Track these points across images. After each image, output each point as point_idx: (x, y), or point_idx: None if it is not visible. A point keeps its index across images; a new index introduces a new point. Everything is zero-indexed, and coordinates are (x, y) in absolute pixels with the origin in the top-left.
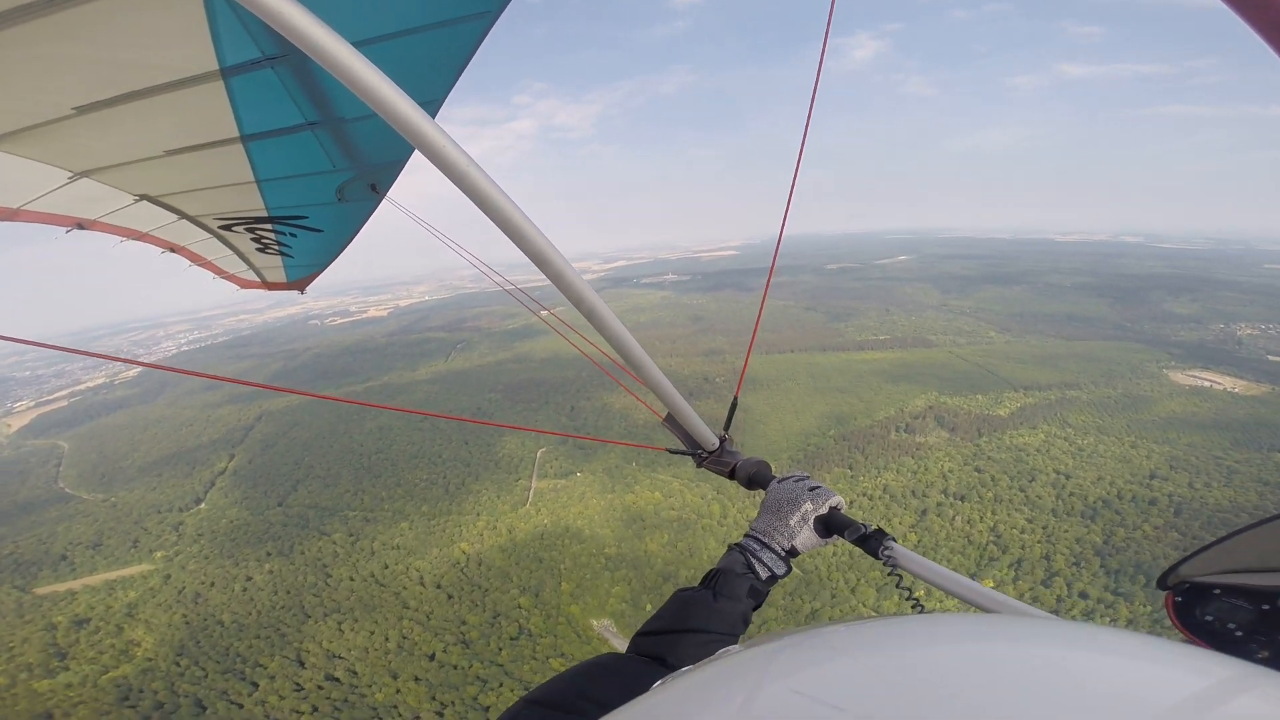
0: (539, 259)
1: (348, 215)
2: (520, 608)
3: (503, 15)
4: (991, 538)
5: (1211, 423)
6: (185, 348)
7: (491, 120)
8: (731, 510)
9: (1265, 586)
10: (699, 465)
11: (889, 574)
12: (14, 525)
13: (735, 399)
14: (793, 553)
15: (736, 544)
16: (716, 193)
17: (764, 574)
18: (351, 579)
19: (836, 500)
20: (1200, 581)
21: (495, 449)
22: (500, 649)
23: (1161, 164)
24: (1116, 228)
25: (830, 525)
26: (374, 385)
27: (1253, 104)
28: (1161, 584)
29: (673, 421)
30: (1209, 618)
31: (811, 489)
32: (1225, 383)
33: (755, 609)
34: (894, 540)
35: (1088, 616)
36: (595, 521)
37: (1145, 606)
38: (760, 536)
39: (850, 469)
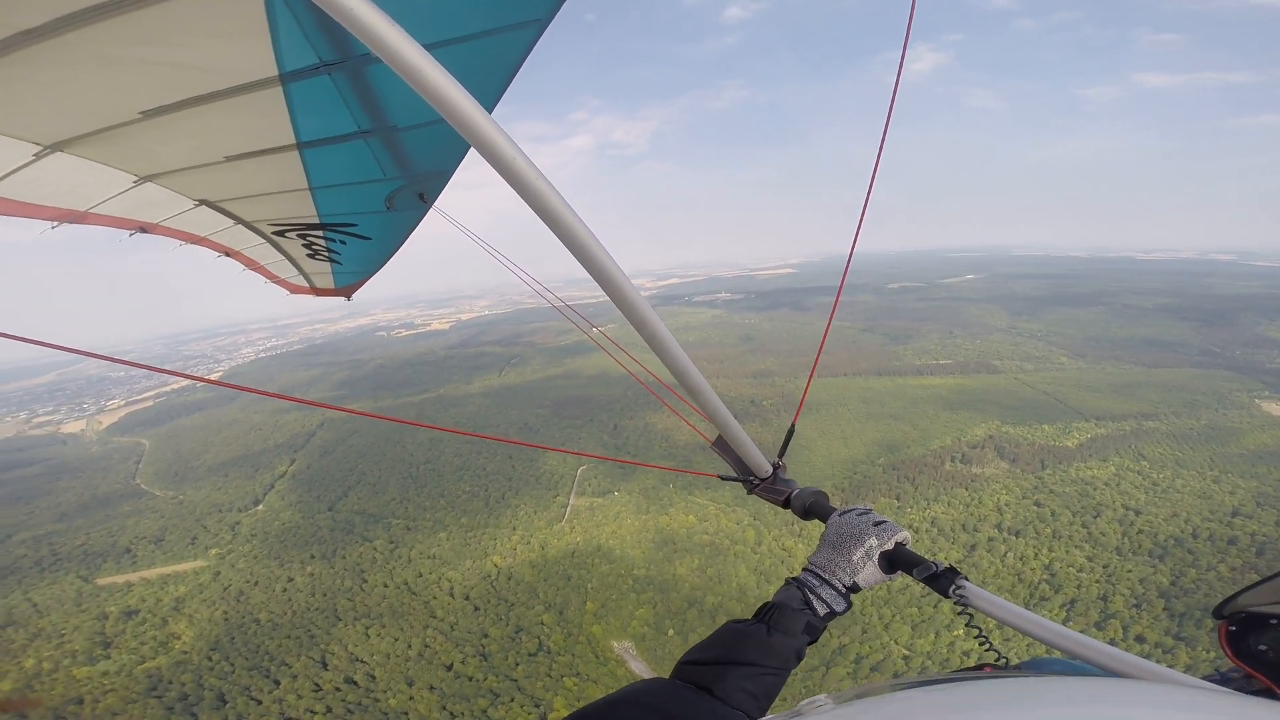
0: (600, 275)
1: (396, 224)
2: (543, 624)
3: (559, 34)
4: (1045, 575)
5: None
6: (263, 354)
7: (549, 137)
8: (767, 537)
9: None
10: (750, 491)
11: (959, 613)
12: (90, 517)
13: (793, 425)
14: (854, 589)
15: (794, 578)
16: (773, 209)
17: (822, 610)
18: (385, 585)
19: (903, 535)
20: (1258, 611)
21: (538, 464)
22: (517, 664)
23: (1255, 176)
24: (1205, 245)
25: (895, 562)
26: (430, 397)
27: None
28: (1218, 614)
29: (723, 445)
30: (1263, 647)
31: (876, 523)
32: None
33: (810, 645)
34: (966, 579)
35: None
36: (627, 542)
37: (1208, 652)
38: (820, 571)
39: (897, 499)
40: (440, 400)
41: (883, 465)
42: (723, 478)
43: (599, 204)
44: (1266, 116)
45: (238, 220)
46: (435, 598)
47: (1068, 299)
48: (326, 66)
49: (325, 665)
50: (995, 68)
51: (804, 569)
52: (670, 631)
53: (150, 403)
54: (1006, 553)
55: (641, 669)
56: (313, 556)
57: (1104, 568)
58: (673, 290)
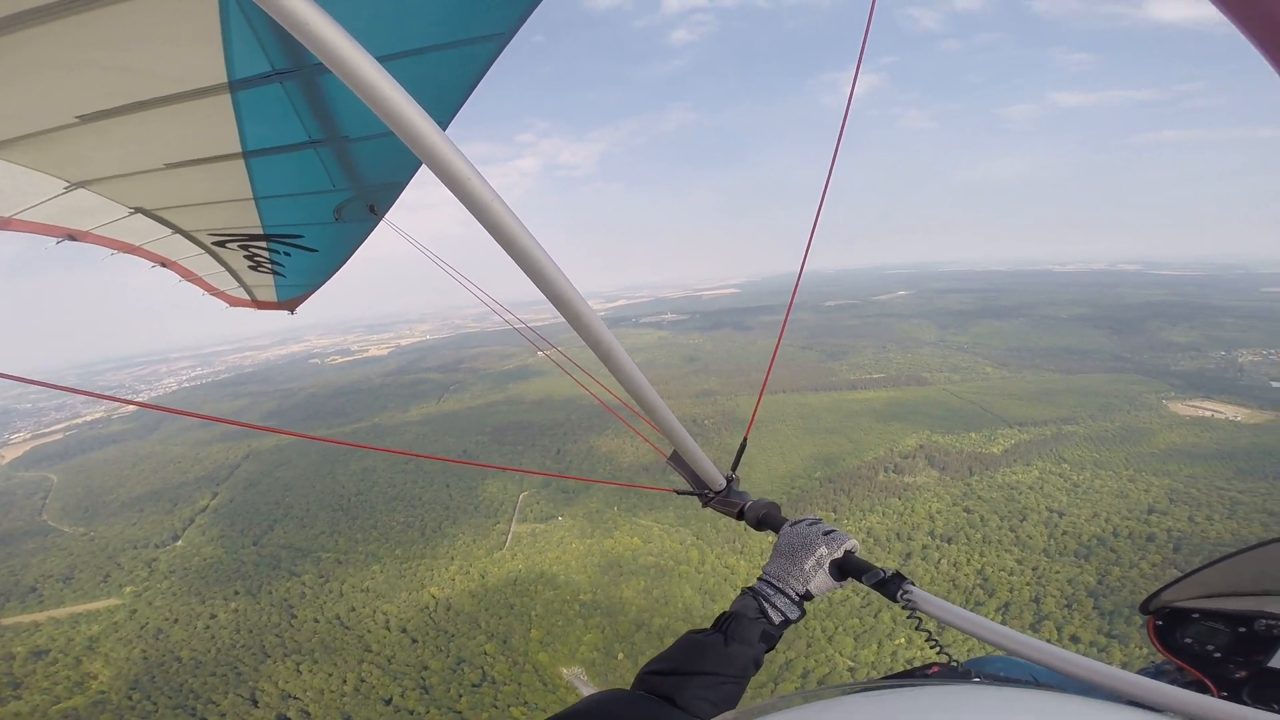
0: (554, 294)
1: (344, 236)
2: (485, 654)
3: (507, 55)
4: (978, 580)
5: (1214, 453)
6: (186, 384)
7: (496, 159)
8: (710, 556)
9: (1242, 611)
10: (705, 505)
11: (908, 617)
12: None
13: (744, 440)
14: (807, 596)
15: (749, 588)
16: (719, 230)
17: (777, 618)
18: (316, 620)
19: (852, 544)
20: (1181, 606)
21: (477, 492)
22: (460, 695)
23: (1158, 190)
24: (1114, 256)
25: (845, 569)
26: (364, 426)
27: (1245, 126)
28: (1144, 609)
29: (679, 461)
30: (1188, 640)
31: (826, 532)
32: (1227, 411)
33: (767, 652)
34: (913, 584)
35: None
36: (572, 567)
37: (1140, 648)
38: (774, 580)
39: (834, 511)
40: (375, 429)
41: (820, 478)
42: (679, 492)
43: (547, 225)
44: (1169, 132)
45: (175, 229)
46: (370, 631)
47: (992, 311)
48: (279, 75)
49: (255, 702)
50: (926, 89)
51: (759, 579)
52: (620, 655)
53: (59, 435)
54: (940, 560)
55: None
56: (236, 592)
57: (1033, 570)
58: (621, 312)
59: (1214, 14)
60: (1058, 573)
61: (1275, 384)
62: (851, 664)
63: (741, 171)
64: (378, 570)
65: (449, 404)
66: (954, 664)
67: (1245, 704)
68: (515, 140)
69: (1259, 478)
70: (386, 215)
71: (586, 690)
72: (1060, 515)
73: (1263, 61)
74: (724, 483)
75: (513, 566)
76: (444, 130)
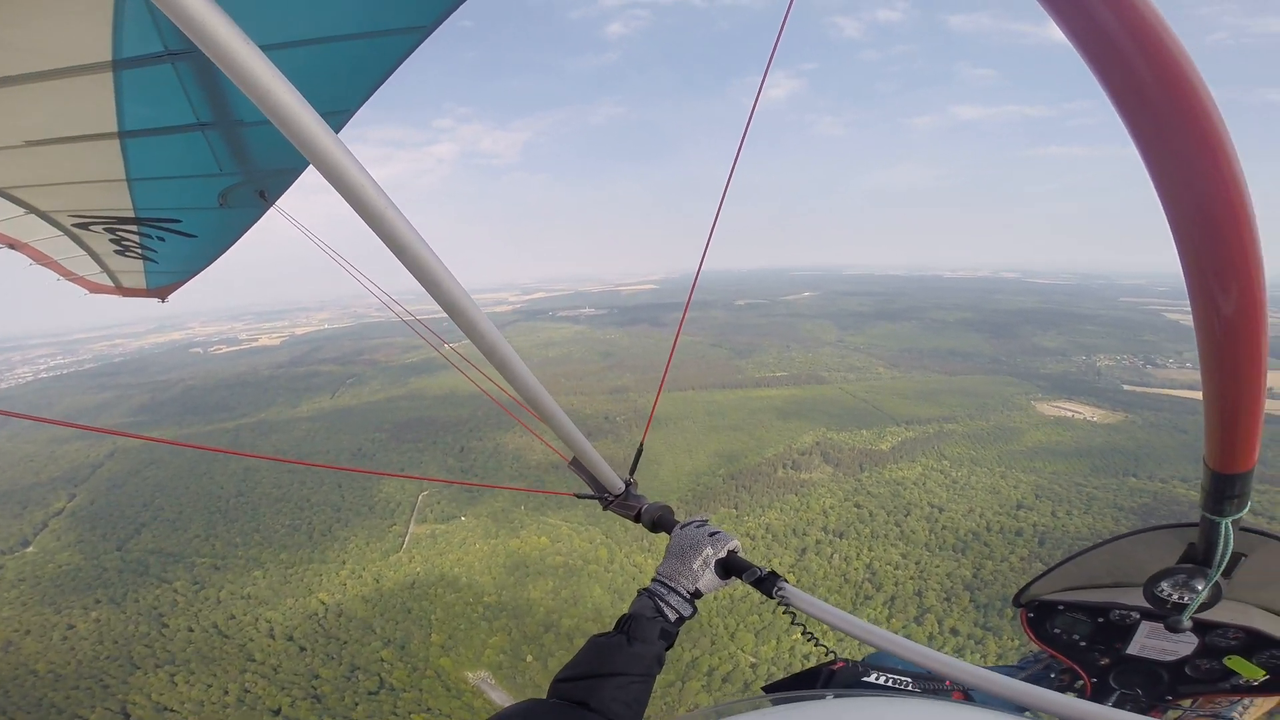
0: (436, 290)
1: (228, 222)
2: (383, 660)
3: (432, 39)
4: (867, 575)
5: (1073, 451)
6: (44, 374)
7: (409, 143)
8: (619, 555)
9: (1099, 602)
10: (606, 508)
11: (783, 613)
12: None
13: (641, 445)
14: (697, 594)
15: (645, 589)
16: (643, 225)
17: (673, 616)
18: (191, 629)
19: (734, 544)
20: (1048, 599)
21: (372, 493)
22: (356, 704)
23: (1041, 203)
24: (997, 264)
25: (729, 568)
26: (247, 423)
27: (1117, 145)
28: (1016, 602)
29: (579, 465)
30: (1057, 630)
31: (711, 534)
32: (1085, 412)
33: (668, 649)
34: (786, 581)
35: (959, 654)
36: (475, 569)
37: (1014, 640)
38: (667, 580)
39: (736, 509)
40: (260, 426)
41: (723, 476)
42: (578, 495)
43: (463, 214)
44: (1053, 148)
45: (31, 209)
46: (252, 640)
47: (887, 314)
48: (172, 55)
49: (127, 716)
50: (841, 96)
51: (653, 579)
52: (529, 657)
53: None
54: (833, 554)
55: (502, 698)
56: (98, 601)
57: (916, 564)
58: (538, 304)
59: None
60: (938, 567)
61: (1127, 387)
62: (754, 660)
63: (666, 167)
64: (260, 576)
65: (345, 399)
66: (839, 660)
67: (1112, 689)
68: (433, 125)
69: (1110, 474)
70: (277, 202)
71: (495, 695)
72: (940, 510)
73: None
74: (623, 486)
75: (410, 569)
76: (348, 117)
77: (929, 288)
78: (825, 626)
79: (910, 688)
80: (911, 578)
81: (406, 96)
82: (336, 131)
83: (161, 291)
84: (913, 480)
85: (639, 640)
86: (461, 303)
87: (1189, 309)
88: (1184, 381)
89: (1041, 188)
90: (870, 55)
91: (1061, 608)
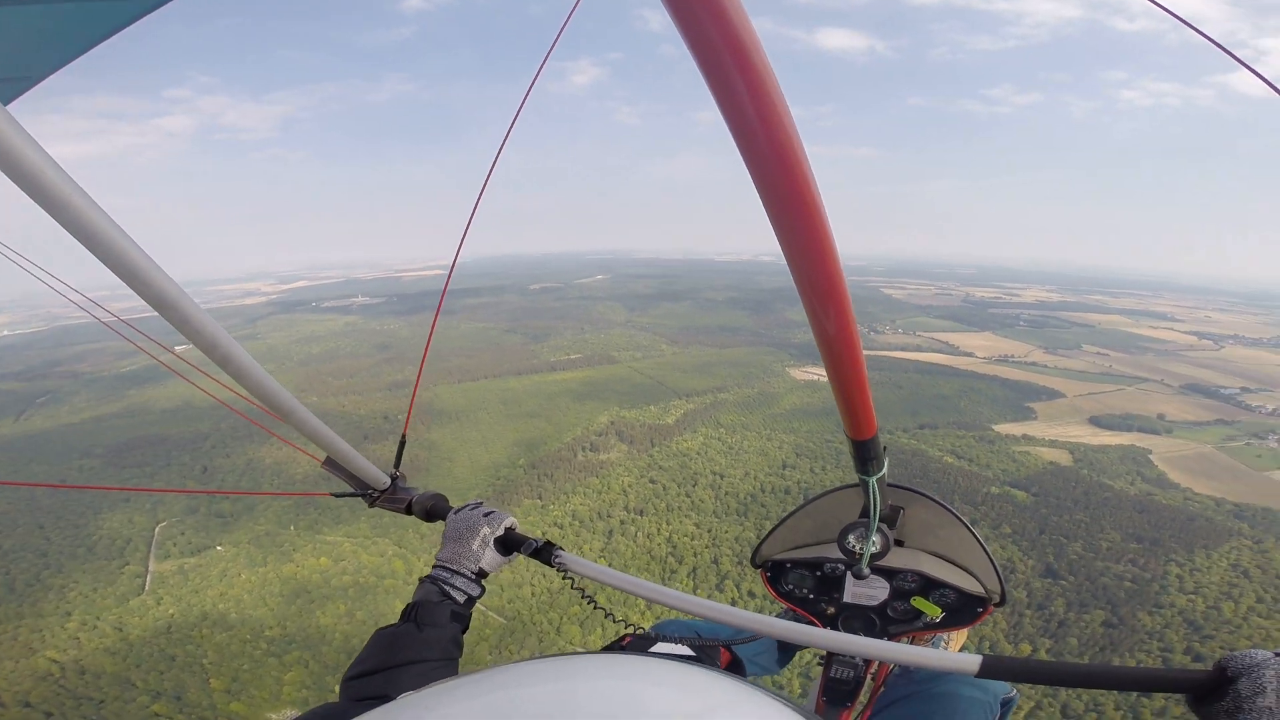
0: (137, 284)
1: None
2: (157, 716)
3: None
4: (669, 549)
5: (820, 411)
6: None
7: (129, 114)
8: (417, 565)
9: (812, 558)
10: (371, 505)
11: (564, 578)
12: None
13: (403, 437)
14: (482, 574)
15: (427, 576)
16: (432, 209)
17: (461, 598)
18: None
19: (510, 521)
20: (778, 559)
21: (88, 531)
22: None
23: None
24: (758, 249)
25: (508, 544)
26: None
27: (850, 147)
28: (753, 563)
29: (334, 465)
30: (789, 586)
31: (486, 514)
32: (820, 374)
33: (464, 631)
34: (563, 550)
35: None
36: (245, 603)
37: None
38: (448, 565)
39: (540, 499)
40: None
41: (524, 465)
42: (337, 495)
43: (201, 196)
44: (819, 148)
45: None
46: None
47: (669, 295)
48: None
49: None
50: (639, 88)
51: (434, 566)
52: (335, 689)
53: None
54: (636, 533)
55: None
56: None
57: (709, 532)
58: (299, 295)
59: (861, 45)
60: (726, 532)
61: None
62: (583, 650)
63: (461, 151)
64: None
65: (37, 421)
66: (636, 629)
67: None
68: (164, 95)
69: (838, 429)
70: None
71: None
72: (721, 477)
73: (874, 91)
74: (388, 480)
75: (161, 613)
76: (31, 84)
77: (703, 270)
78: (609, 589)
79: (685, 649)
80: (707, 546)
81: (127, 64)
82: (6, 102)
83: None
84: (696, 450)
85: (430, 625)
86: (171, 296)
87: (903, 285)
88: (899, 344)
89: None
90: (669, 50)
91: (789, 565)
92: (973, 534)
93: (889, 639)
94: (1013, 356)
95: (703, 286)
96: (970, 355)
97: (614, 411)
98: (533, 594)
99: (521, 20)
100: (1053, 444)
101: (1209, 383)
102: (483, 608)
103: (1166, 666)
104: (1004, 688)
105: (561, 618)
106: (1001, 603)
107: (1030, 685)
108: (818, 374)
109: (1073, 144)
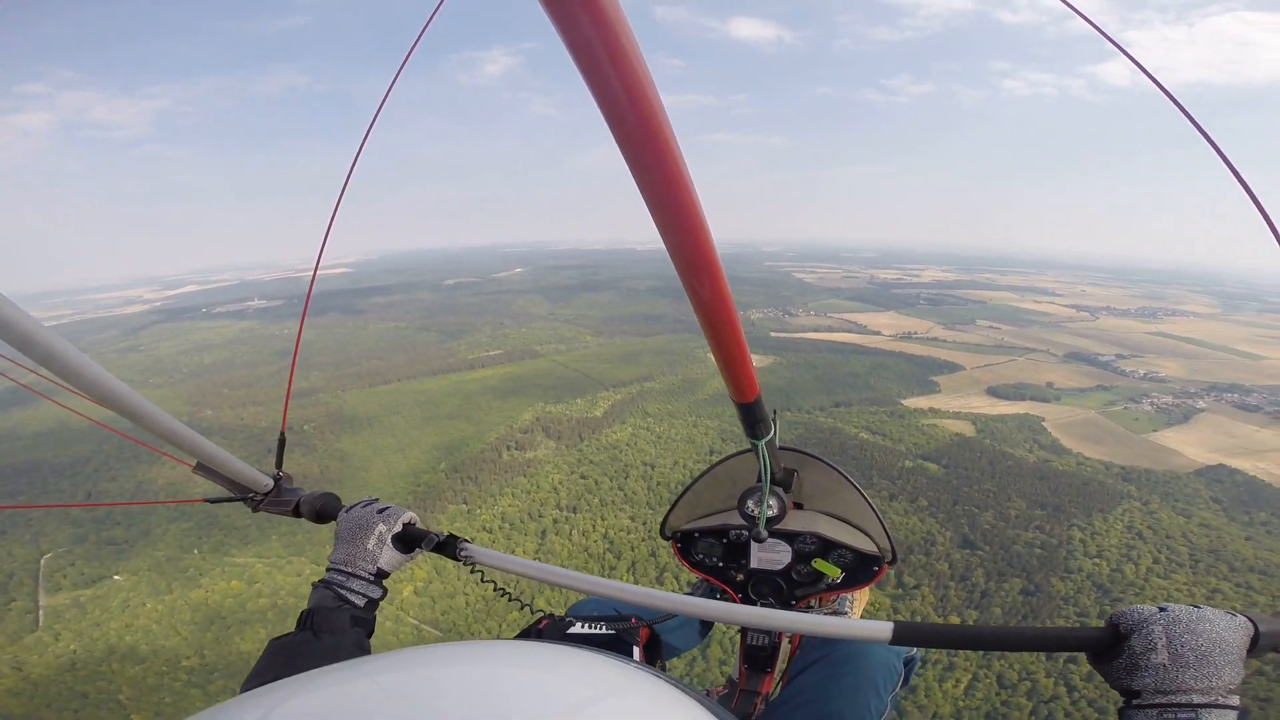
0: None
1: None
2: None
3: None
4: (606, 545)
5: None
6: None
7: None
8: None
9: (717, 525)
10: (255, 509)
11: (471, 571)
12: None
13: (282, 435)
14: (381, 574)
15: (321, 580)
16: (330, 206)
17: (360, 601)
18: None
19: (408, 516)
20: (686, 529)
21: None
22: None
23: (707, 183)
24: None
25: (408, 541)
26: None
27: (763, 134)
28: (662, 534)
29: (207, 469)
30: (700, 555)
31: (381, 510)
32: None
33: (370, 635)
34: (468, 542)
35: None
36: (155, 633)
37: None
38: (343, 567)
39: (466, 503)
40: None
41: (445, 470)
42: (212, 500)
43: (70, 199)
44: (719, 134)
45: None
46: None
47: (591, 285)
48: None
49: None
50: (554, 78)
51: (328, 569)
52: None
53: None
54: (571, 531)
55: None
56: None
57: (644, 525)
58: (187, 301)
59: (771, 35)
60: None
61: (774, 334)
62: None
63: (365, 145)
64: None
65: None
66: (553, 617)
67: (752, 601)
68: (15, 92)
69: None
70: None
71: None
72: (652, 467)
73: (784, 80)
74: (271, 482)
75: (62, 649)
76: None
77: (625, 259)
78: (516, 578)
79: (604, 630)
80: (643, 540)
81: None
82: None
83: None
84: (625, 442)
85: (328, 632)
86: (5, 313)
87: (813, 269)
88: (812, 325)
89: (705, 170)
90: None
91: (697, 535)
92: (861, 495)
93: (796, 602)
94: (915, 333)
95: (625, 276)
96: (878, 334)
97: (539, 407)
98: (467, 604)
99: (425, 6)
100: (956, 415)
101: (1088, 351)
102: (415, 621)
103: (1066, 626)
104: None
105: (500, 625)
106: (893, 561)
107: (958, 654)
108: None
109: (962, 131)
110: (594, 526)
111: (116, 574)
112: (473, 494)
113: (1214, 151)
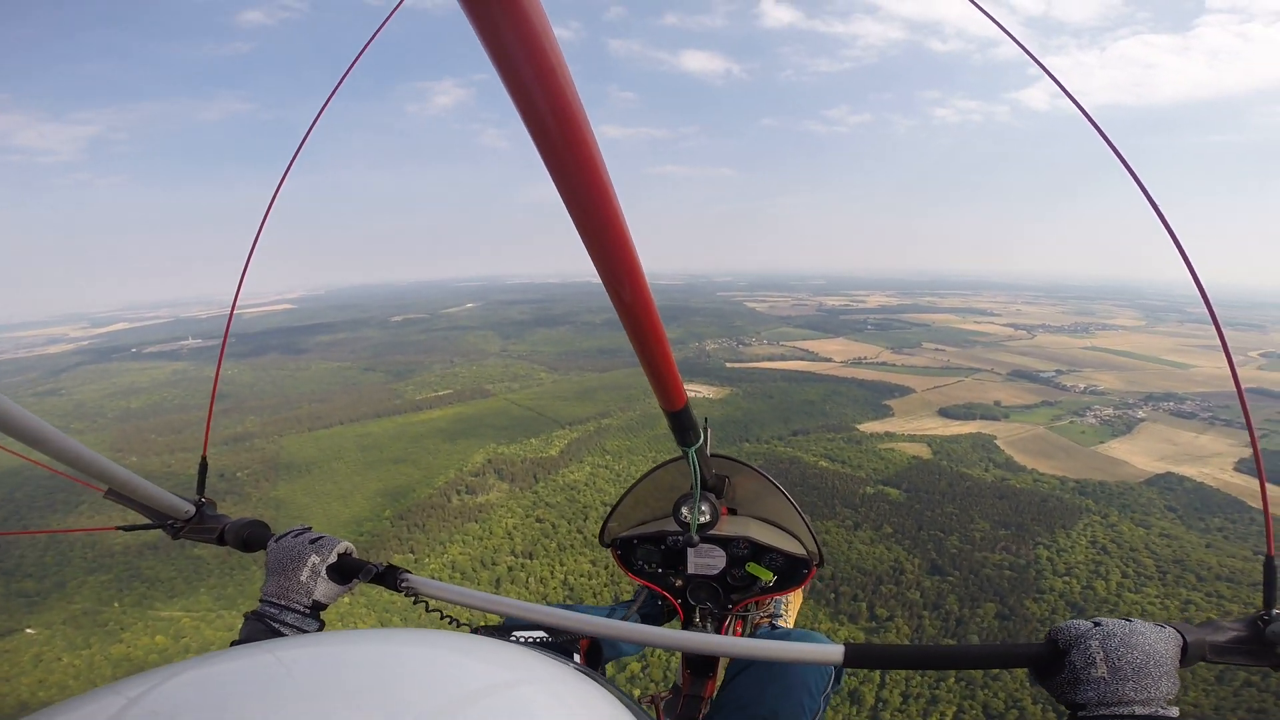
0: None
1: None
2: None
3: None
4: (567, 592)
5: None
6: None
7: None
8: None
9: (654, 532)
10: (175, 536)
11: (414, 603)
12: None
13: (204, 459)
14: (319, 606)
15: (253, 613)
16: (277, 238)
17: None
18: None
19: (344, 546)
20: (624, 536)
21: None
22: None
23: (657, 216)
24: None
25: (345, 571)
26: None
27: (713, 167)
28: (601, 542)
29: (119, 495)
30: (640, 563)
31: (314, 540)
32: (702, 390)
33: None
34: (409, 573)
35: None
36: (73, 689)
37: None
38: (275, 600)
39: (413, 552)
40: None
41: (390, 517)
42: (127, 528)
43: None
44: (669, 167)
45: None
46: None
47: (546, 320)
48: None
49: None
50: (506, 109)
51: (260, 601)
52: None
53: None
54: (528, 578)
55: None
56: None
57: (606, 569)
58: (116, 340)
59: (719, 67)
60: None
61: (729, 364)
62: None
63: (310, 174)
64: None
65: None
66: (489, 625)
67: (692, 606)
68: None
69: (731, 442)
70: None
71: None
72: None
73: (732, 112)
74: (193, 508)
75: None
76: None
77: (581, 293)
78: (459, 608)
79: (544, 638)
80: (605, 585)
81: None
82: None
83: None
84: (583, 481)
85: None
86: None
87: (764, 297)
88: (766, 355)
89: (657, 202)
90: None
91: (636, 542)
92: (788, 499)
93: (733, 606)
94: (865, 358)
95: (581, 310)
96: (829, 360)
97: (490, 448)
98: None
99: (379, 38)
100: (912, 438)
101: (1030, 368)
102: None
103: (1010, 641)
104: None
105: None
106: (821, 563)
107: (940, 685)
108: (694, 389)
109: (898, 160)
110: (552, 573)
111: (29, 629)
112: (420, 542)
113: (1127, 172)
